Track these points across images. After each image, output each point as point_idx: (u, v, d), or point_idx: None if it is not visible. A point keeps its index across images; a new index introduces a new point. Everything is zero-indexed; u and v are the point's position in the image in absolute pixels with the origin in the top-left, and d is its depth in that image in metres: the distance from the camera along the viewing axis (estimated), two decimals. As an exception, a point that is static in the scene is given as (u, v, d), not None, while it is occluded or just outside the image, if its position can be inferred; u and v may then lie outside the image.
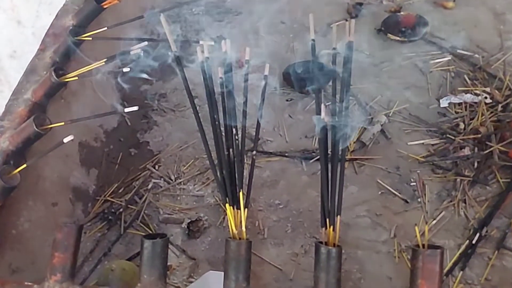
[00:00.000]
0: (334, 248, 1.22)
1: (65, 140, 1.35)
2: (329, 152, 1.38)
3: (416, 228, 1.29)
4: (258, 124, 1.43)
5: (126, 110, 1.55)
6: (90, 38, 1.91)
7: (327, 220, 1.27)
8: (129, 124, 2.26)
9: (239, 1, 2.96)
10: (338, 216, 1.28)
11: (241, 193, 1.28)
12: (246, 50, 1.43)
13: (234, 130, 1.32)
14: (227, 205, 1.29)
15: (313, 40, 1.39)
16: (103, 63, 1.73)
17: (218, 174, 1.31)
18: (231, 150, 1.31)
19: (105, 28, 1.88)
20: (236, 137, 1.32)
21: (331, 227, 1.27)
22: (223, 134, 1.33)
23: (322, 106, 1.37)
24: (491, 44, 2.55)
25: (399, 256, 1.76)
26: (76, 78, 1.73)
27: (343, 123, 1.34)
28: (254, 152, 1.38)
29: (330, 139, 1.39)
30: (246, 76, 1.41)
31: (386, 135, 2.13)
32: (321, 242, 1.26)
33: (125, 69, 1.66)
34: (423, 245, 1.22)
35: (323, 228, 1.28)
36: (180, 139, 2.18)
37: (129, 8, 2.48)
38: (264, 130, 2.18)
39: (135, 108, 1.54)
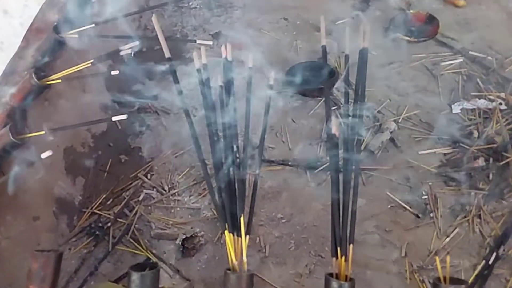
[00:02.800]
0: (346, 283, 1.08)
1: (43, 155, 1.20)
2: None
3: (437, 259, 1.15)
4: (262, 140, 1.28)
5: (114, 118, 1.41)
6: (77, 36, 1.75)
7: (339, 249, 1.13)
8: (120, 127, 2.10)
9: (239, -6, 2.80)
10: (351, 245, 1.14)
11: (242, 219, 1.13)
12: (249, 57, 1.28)
13: (235, 147, 1.17)
14: (226, 232, 1.14)
15: (325, 45, 1.24)
16: (90, 64, 1.57)
17: (217, 197, 1.17)
18: (231, 169, 1.17)
19: (93, 25, 1.72)
20: (237, 156, 1.17)
21: (343, 257, 1.13)
22: (223, 151, 1.18)
23: (333, 119, 1.22)
24: (505, 45, 2.41)
25: (411, 278, 1.62)
26: (59, 80, 1.57)
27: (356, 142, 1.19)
28: (258, 172, 1.23)
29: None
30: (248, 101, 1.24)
31: (395, 143, 1.99)
32: (331, 274, 1.13)
33: (114, 72, 1.51)
34: (445, 279, 1.09)
35: (334, 259, 1.14)
36: (174, 145, 2.03)
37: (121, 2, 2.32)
38: (265, 136, 2.03)
39: (124, 116, 1.39)
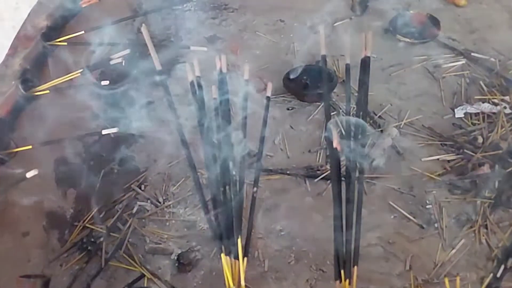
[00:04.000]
0: (352, 309, 1.02)
1: (28, 175, 1.13)
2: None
3: (446, 281, 1.09)
4: (260, 157, 1.21)
5: (104, 132, 1.34)
6: (65, 43, 1.68)
7: (342, 272, 1.07)
8: (112, 135, 2.02)
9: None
10: (355, 267, 1.08)
11: (239, 240, 1.07)
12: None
13: (231, 163, 1.10)
14: (222, 255, 1.07)
15: (324, 55, 1.17)
16: (79, 74, 1.50)
17: (212, 217, 1.10)
18: (227, 187, 1.10)
19: (82, 32, 1.65)
20: (234, 172, 1.10)
21: (347, 280, 1.07)
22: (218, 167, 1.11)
23: (334, 132, 1.16)
24: (508, 45, 2.36)
25: (416, 292, 1.56)
26: (48, 91, 1.50)
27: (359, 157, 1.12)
28: (255, 189, 1.16)
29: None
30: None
31: (397, 150, 1.93)
32: (335, 297, 1.06)
33: (104, 83, 1.44)
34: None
35: (337, 282, 1.07)
36: (169, 154, 1.95)
37: (113, 5, 2.25)
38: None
39: (115, 130, 1.33)
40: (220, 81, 1.12)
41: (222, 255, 1.08)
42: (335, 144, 1.15)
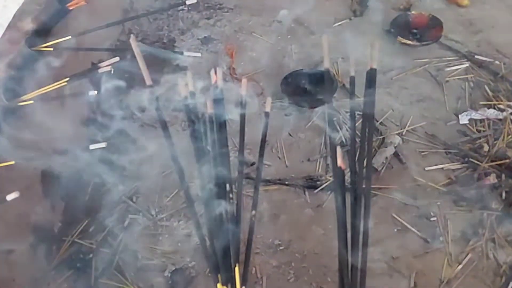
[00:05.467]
0: None
1: (9, 198, 1.05)
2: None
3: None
4: (258, 181, 1.13)
5: (92, 147, 1.26)
6: (51, 49, 1.58)
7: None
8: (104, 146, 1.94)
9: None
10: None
11: (237, 269, 0.99)
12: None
13: (227, 186, 1.02)
14: (218, 285, 0.99)
15: (328, 68, 1.08)
16: (65, 83, 1.42)
17: (208, 244, 1.02)
18: (224, 211, 1.02)
19: (69, 37, 1.56)
20: (231, 195, 1.02)
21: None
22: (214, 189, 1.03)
23: (338, 150, 1.08)
24: (512, 48, 2.28)
25: (421, 311, 1.50)
26: (32, 102, 1.41)
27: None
28: (254, 212, 1.08)
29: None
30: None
31: (400, 159, 1.86)
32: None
33: (91, 93, 1.35)
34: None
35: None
36: (162, 163, 1.86)
37: (103, 6, 2.15)
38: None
39: (103, 145, 1.25)
40: (215, 96, 1.04)
41: (219, 285, 1.00)
42: (339, 163, 1.08)
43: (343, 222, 1.01)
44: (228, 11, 2.56)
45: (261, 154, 1.11)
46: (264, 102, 1.15)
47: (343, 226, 1.01)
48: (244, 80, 1.07)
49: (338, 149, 1.08)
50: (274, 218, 1.72)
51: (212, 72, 1.03)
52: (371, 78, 1.07)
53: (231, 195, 1.03)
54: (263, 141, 1.15)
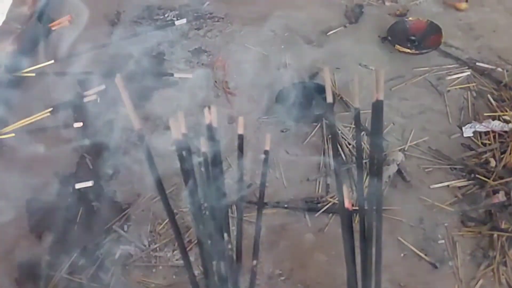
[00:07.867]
0: None
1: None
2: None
3: None
4: (258, 231, 1.04)
5: (78, 186, 1.16)
6: (33, 74, 1.48)
7: None
8: (91, 167, 1.84)
9: (219, 4, 2.54)
10: None
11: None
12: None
13: (225, 235, 0.93)
14: None
15: (331, 103, 0.99)
16: (48, 113, 1.32)
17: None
18: (222, 264, 0.93)
19: (52, 61, 1.46)
20: (230, 246, 0.93)
21: None
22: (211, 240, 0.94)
23: (344, 188, 0.99)
24: (514, 53, 2.20)
25: None
26: (13, 134, 1.31)
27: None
28: (255, 262, 0.99)
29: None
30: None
31: (403, 177, 1.77)
32: None
33: (77, 125, 1.25)
34: None
35: None
36: (154, 187, 1.76)
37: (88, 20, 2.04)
38: (256, 172, 1.79)
39: (89, 183, 1.15)
40: (210, 138, 0.95)
41: None
42: (346, 204, 0.99)
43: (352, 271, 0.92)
44: (219, 20, 2.46)
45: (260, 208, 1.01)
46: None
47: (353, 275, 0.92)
48: (240, 119, 0.97)
49: (345, 188, 0.99)
50: (274, 245, 1.63)
51: (206, 110, 0.94)
52: (377, 111, 0.98)
53: (230, 246, 0.94)
54: (263, 184, 1.06)
